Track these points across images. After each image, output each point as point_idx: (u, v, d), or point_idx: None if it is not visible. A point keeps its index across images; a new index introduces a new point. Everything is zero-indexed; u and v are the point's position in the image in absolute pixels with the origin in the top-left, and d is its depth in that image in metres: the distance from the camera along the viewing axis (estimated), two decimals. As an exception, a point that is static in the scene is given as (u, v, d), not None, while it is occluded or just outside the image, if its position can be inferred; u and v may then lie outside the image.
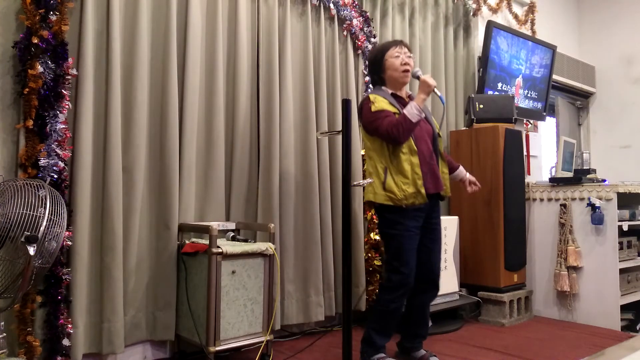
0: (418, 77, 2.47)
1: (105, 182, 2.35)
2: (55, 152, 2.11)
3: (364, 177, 3.19)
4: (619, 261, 3.44)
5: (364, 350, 2.49)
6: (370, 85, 3.38)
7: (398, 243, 2.43)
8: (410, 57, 2.53)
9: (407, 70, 2.49)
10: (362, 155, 3.35)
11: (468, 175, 2.79)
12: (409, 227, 2.42)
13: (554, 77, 4.80)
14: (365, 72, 3.41)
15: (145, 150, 2.50)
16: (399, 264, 2.43)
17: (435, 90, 2.41)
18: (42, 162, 2.08)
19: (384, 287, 2.52)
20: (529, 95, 4.52)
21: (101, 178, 2.36)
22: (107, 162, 2.35)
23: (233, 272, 2.40)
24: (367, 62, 3.35)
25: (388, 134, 2.36)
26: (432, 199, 2.50)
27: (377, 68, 2.56)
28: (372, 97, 2.47)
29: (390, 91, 2.53)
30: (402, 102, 2.50)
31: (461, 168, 2.80)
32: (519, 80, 4.40)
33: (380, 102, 2.43)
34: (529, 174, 4.26)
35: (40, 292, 2.10)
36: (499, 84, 4.19)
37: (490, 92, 4.09)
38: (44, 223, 1.72)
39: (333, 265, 3.15)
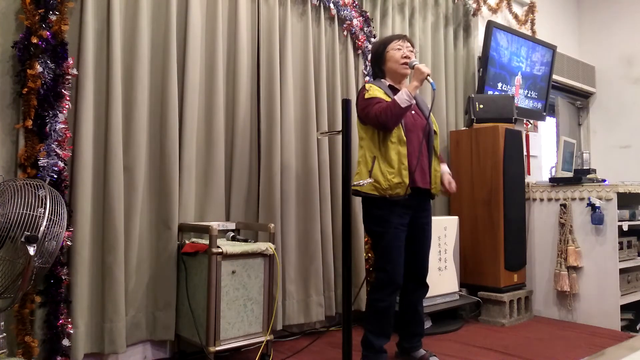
0: (413, 67, 2.47)
1: (106, 181, 2.35)
2: (55, 152, 2.11)
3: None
4: (619, 261, 3.44)
5: (364, 355, 2.48)
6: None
7: (383, 241, 2.42)
8: (412, 51, 2.54)
9: (407, 63, 2.50)
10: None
11: (448, 175, 2.66)
12: (394, 225, 2.41)
13: (554, 77, 4.79)
14: (366, 72, 3.41)
15: (145, 150, 2.50)
16: (384, 262, 2.43)
17: (428, 78, 2.40)
18: (42, 162, 2.08)
19: (372, 286, 2.53)
20: (529, 95, 4.52)
21: (102, 178, 2.36)
22: (108, 161, 2.35)
23: (233, 272, 2.40)
24: (368, 59, 3.36)
25: (377, 118, 2.37)
26: (420, 195, 2.49)
27: (378, 60, 2.59)
28: (367, 85, 2.51)
29: (388, 83, 2.55)
30: None
31: (444, 165, 2.70)
32: (519, 78, 4.39)
33: (375, 91, 2.46)
34: (529, 174, 4.26)
35: (39, 292, 2.09)
36: (499, 84, 4.19)
37: (490, 92, 4.09)
38: (44, 223, 1.72)
39: (333, 265, 3.15)
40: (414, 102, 2.38)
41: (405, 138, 2.41)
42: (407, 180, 2.38)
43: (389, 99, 2.42)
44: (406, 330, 2.62)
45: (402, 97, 2.34)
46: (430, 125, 2.55)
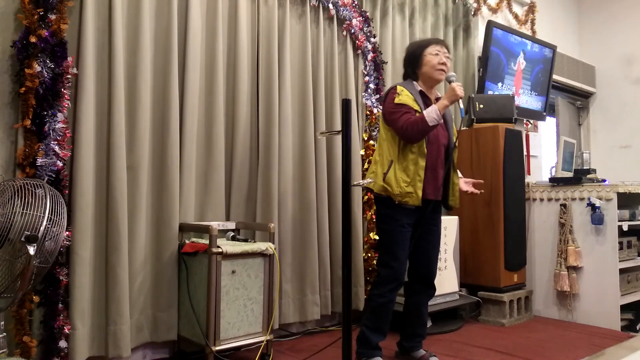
0: (450, 82, 2.44)
1: (109, 181, 2.33)
2: (54, 151, 2.10)
3: (363, 177, 3.19)
4: (619, 261, 3.44)
5: (359, 351, 2.48)
6: (371, 86, 3.39)
7: (389, 238, 2.46)
8: (448, 57, 2.52)
9: (443, 70, 2.48)
10: (362, 155, 3.35)
11: (463, 181, 2.70)
12: (401, 223, 2.44)
13: (554, 77, 4.79)
14: (365, 72, 3.40)
15: (148, 150, 2.50)
16: (389, 258, 2.45)
17: (460, 102, 2.39)
18: (40, 161, 2.07)
19: (374, 282, 2.54)
20: (530, 92, 4.52)
21: (105, 177, 2.35)
22: (112, 160, 2.33)
23: (233, 271, 2.40)
24: (368, 58, 3.36)
25: (403, 130, 2.37)
26: (432, 203, 2.49)
27: (413, 62, 2.54)
28: (399, 89, 2.46)
29: (419, 88, 2.52)
30: (428, 103, 2.48)
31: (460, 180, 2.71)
32: (521, 61, 4.36)
33: (405, 97, 2.42)
34: (529, 174, 4.26)
35: (37, 292, 2.08)
36: (498, 84, 4.19)
37: (490, 92, 4.08)
38: (44, 223, 1.71)
39: (330, 264, 3.14)
40: (442, 121, 2.39)
41: (425, 151, 2.42)
42: (420, 192, 2.40)
43: (417, 107, 2.41)
44: (408, 330, 2.63)
45: (432, 116, 2.33)
46: (452, 138, 2.55)
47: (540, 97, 4.65)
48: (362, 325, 2.50)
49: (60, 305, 2.13)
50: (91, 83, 2.29)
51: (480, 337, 3.09)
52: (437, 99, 2.53)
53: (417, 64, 2.52)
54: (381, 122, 2.55)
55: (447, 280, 3.34)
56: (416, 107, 2.41)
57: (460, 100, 2.39)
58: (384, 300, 2.45)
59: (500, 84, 4.20)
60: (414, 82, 2.54)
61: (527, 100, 4.52)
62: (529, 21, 4.81)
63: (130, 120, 2.43)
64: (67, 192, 2.19)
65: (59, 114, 2.13)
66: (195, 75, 2.65)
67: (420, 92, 2.51)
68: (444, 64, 2.48)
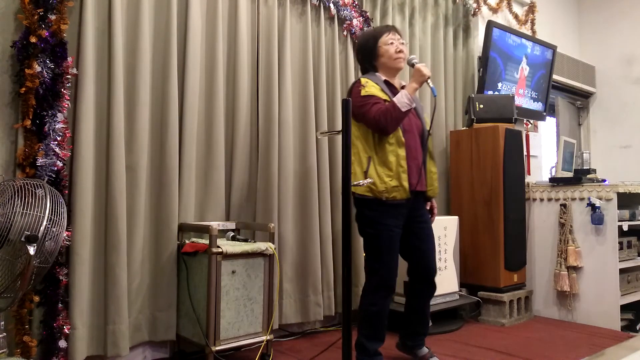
0: (412, 65, 2.39)
1: (109, 181, 2.33)
2: (54, 151, 2.10)
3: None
4: (619, 261, 3.43)
5: (359, 359, 2.39)
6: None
7: (377, 244, 2.34)
8: (403, 43, 2.47)
9: (401, 58, 2.43)
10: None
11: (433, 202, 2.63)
12: (389, 227, 2.32)
13: (554, 77, 4.79)
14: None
15: (147, 150, 2.50)
16: (378, 266, 2.34)
17: (429, 81, 2.33)
18: (40, 161, 2.07)
19: (364, 290, 2.41)
20: (531, 94, 4.52)
21: (104, 177, 2.35)
22: (111, 161, 2.34)
23: (233, 271, 2.40)
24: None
25: (376, 121, 2.27)
26: (416, 197, 2.42)
27: (369, 55, 2.47)
28: (363, 80, 2.38)
29: (383, 78, 2.45)
30: (395, 91, 2.40)
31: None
32: (523, 66, 4.36)
33: (371, 88, 2.34)
34: (529, 174, 4.26)
35: (37, 292, 2.09)
36: (499, 84, 4.19)
37: (490, 92, 4.08)
38: (44, 223, 1.71)
39: (332, 264, 3.14)
40: (414, 105, 2.32)
41: (403, 139, 2.34)
42: (406, 184, 2.31)
43: (385, 97, 2.34)
44: (410, 329, 2.57)
45: (403, 101, 2.27)
46: (425, 125, 2.49)
47: (541, 103, 4.65)
48: (359, 333, 2.41)
49: (60, 305, 2.13)
50: (91, 83, 2.29)
51: (480, 337, 3.09)
52: (403, 87, 2.45)
53: (374, 56, 2.45)
54: None
55: (447, 280, 3.34)
56: (384, 97, 2.34)
57: (429, 80, 2.33)
58: (376, 309, 2.34)
59: (500, 84, 4.20)
60: (376, 74, 2.46)
61: (527, 102, 4.52)
62: (529, 21, 4.81)
63: (130, 120, 2.44)
64: (67, 192, 2.19)
65: (59, 114, 2.13)
66: (195, 75, 2.65)
67: (385, 81, 2.44)
68: (400, 51, 2.43)
